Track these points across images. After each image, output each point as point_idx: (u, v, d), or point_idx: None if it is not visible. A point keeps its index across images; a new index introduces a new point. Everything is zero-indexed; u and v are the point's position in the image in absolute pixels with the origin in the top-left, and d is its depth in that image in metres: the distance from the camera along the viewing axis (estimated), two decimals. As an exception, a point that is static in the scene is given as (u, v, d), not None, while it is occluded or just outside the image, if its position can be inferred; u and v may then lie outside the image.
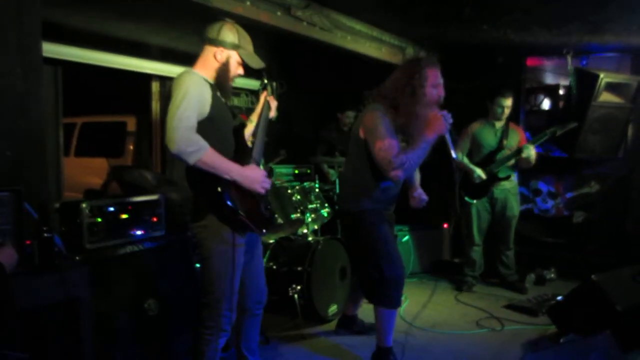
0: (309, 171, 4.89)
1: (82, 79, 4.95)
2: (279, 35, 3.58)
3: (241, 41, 2.24)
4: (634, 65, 4.72)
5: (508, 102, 4.18)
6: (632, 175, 4.73)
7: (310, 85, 5.46)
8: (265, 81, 2.42)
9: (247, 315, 2.43)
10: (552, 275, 4.67)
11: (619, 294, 2.93)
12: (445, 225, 5.05)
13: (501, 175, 4.20)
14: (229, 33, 2.21)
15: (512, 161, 4.12)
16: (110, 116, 6.82)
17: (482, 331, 3.46)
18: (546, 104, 5.33)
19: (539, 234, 5.14)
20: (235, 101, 5.07)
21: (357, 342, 3.23)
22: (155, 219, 2.69)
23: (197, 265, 2.75)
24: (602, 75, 4.19)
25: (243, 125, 2.36)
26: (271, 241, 3.72)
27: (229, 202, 2.10)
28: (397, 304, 2.75)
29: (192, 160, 2.02)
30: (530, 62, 5.22)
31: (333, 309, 3.59)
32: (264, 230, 2.27)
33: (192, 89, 2.07)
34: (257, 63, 2.29)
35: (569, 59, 4.42)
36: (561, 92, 5.15)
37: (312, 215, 3.72)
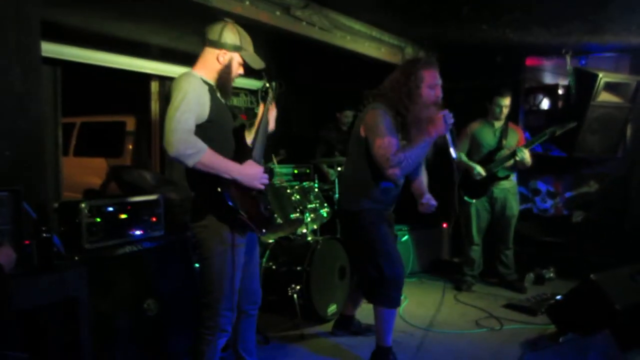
0: (308, 171, 4.89)
1: (81, 78, 4.95)
2: (278, 35, 3.58)
3: (243, 42, 2.24)
4: (633, 65, 4.73)
5: (506, 101, 4.19)
6: (631, 174, 4.73)
7: (310, 85, 5.47)
8: (267, 85, 2.42)
9: (242, 316, 2.43)
10: (551, 275, 4.67)
11: (617, 293, 2.93)
12: (445, 225, 5.06)
13: (500, 174, 4.20)
14: (231, 35, 2.20)
15: (511, 161, 4.12)
16: (109, 116, 6.82)
17: (482, 331, 3.46)
18: (545, 104, 5.33)
19: (538, 233, 5.14)
20: (235, 101, 5.08)
21: (356, 341, 3.23)
22: (154, 219, 2.69)
23: (197, 265, 2.75)
24: (601, 75, 4.19)
25: (243, 126, 2.36)
26: (270, 241, 3.72)
27: (229, 202, 2.11)
28: (396, 303, 2.76)
29: (190, 162, 2.02)
30: (530, 61, 5.23)
31: (332, 308, 3.60)
32: (264, 230, 2.27)
33: (191, 91, 2.06)
34: (258, 64, 2.30)
35: (568, 58, 4.42)
36: (560, 91, 5.15)
37: (312, 215, 3.72)
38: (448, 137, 2.49)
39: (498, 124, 4.31)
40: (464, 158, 4.30)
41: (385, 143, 2.48)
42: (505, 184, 4.28)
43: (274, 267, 3.60)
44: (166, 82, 4.54)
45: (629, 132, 4.72)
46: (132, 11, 3.53)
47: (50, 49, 3.53)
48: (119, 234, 2.51)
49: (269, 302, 2.54)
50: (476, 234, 4.38)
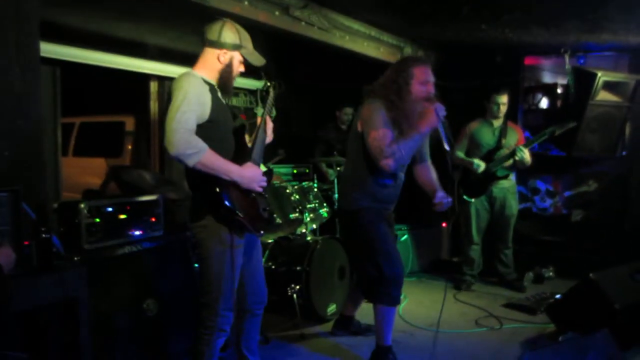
0: (307, 171, 4.89)
1: (80, 79, 4.94)
2: (277, 35, 3.57)
3: (242, 40, 2.24)
4: (632, 64, 4.73)
5: (503, 98, 4.20)
6: (630, 173, 4.74)
7: (309, 85, 5.46)
8: (267, 83, 2.42)
9: (247, 315, 2.44)
10: (551, 274, 4.68)
11: (617, 292, 2.94)
12: (444, 225, 5.06)
13: (499, 174, 4.21)
14: (230, 33, 2.20)
15: (511, 161, 4.12)
16: (108, 116, 6.81)
17: (481, 330, 3.47)
18: (544, 103, 5.34)
19: (538, 232, 5.15)
20: (234, 101, 5.07)
21: (356, 341, 3.23)
22: (153, 219, 2.69)
23: (196, 265, 2.75)
24: (599, 74, 4.20)
25: (243, 126, 2.36)
26: (270, 241, 3.72)
27: (227, 203, 2.11)
28: (396, 301, 2.76)
29: (191, 162, 2.02)
30: (529, 61, 5.23)
31: (332, 308, 3.60)
32: (262, 232, 2.27)
33: (192, 91, 2.07)
34: (258, 60, 2.31)
35: (567, 58, 4.43)
36: (559, 91, 5.16)
37: (311, 215, 3.72)
38: (441, 129, 2.53)
39: (497, 123, 4.31)
40: (462, 156, 4.31)
41: (380, 134, 2.53)
42: (504, 183, 4.28)
43: (273, 267, 3.60)
44: (165, 82, 4.54)
45: (627, 131, 4.72)
46: (131, 11, 3.53)
47: (50, 49, 3.52)
48: (118, 234, 2.51)
49: (268, 301, 2.53)
50: (475, 234, 4.39)
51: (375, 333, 2.85)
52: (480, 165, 4.15)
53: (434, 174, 2.90)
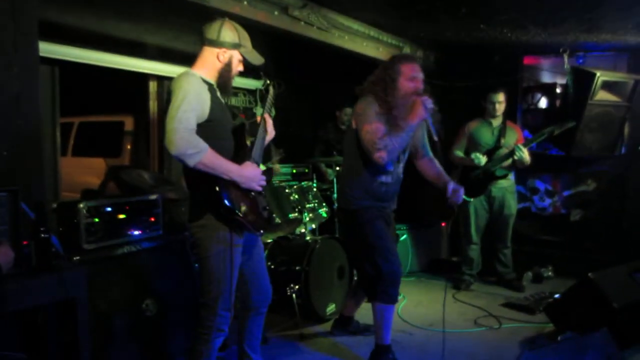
0: (306, 170, 4.89)
1: (79, 78, 4.94)
2: (276, 34, 3.57)
3: (241, 39, 2.25)
4: (630, 63, 4.74)
5: (499, 97, 4.21)
6: (628, 173, 4.74)
7: (308, 84, 5.46)
8: (268, 82, 2.42)
9: (251, 313, 2.44)
10: (550, 274, 4.68)
11: (615, 291, 2.94)
12: (443, 224, 5.06)
13: (498, 173, 4.21)
14: (229, 32, 2.21)
15: (510, 160, 4.12)
16: (107, 116, 6.81)
17: (480, 329, 3.47)
18: (543, 103, 5.34)
19: (537, 232, 5.15)
20: (233, 101, 5.06)
21: (355, 341, 3.23)
22: (152, 219, 2.69)
23: (196, 265, 2.75)
24: (598, 74, 4.20)
25: (243, 125, 2.36)
26: (269, 240, 3.72)
27: (226, 202, 2.11)
28: (393, 300, 2.77)
29: (192, 162, 2.02)
30: (527, 60, 5.23)
31: (331, 308, 3.60)
32: (261, 231, 2.27)
33: (192, 90, 2.07)
34: (257, 60, 2.31)
35: (566, 57, 4.43)
36: (558, 90, 5.16)
37: (310, 215, 3.72)
38: (429, 121, 2.59)
39: (496, 123, 4.31)
40: (461, 155, 4.31)
41: (373, 128, 2.60)
42: (503, 182, 4.29)
43: (272, 266, 3.60)
44: (164, 81, 4.53)
45: (626, 130, 4.72)
46: (130, 11, 3.53)
47: (48, 49, 3.52)
48: (117, 234, 2.51)
49: (267, 301, 2.54)
50: (474, 233, 4.39)
51: (375, 332, 2.86)
52: (480, 158, 4.13)
53: (440, 167, 2.92)
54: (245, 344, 2.49)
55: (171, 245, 2.76)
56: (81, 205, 2.36)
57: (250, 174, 2.18)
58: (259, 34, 2.87)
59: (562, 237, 5.00)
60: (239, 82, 4.71)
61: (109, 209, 2.48)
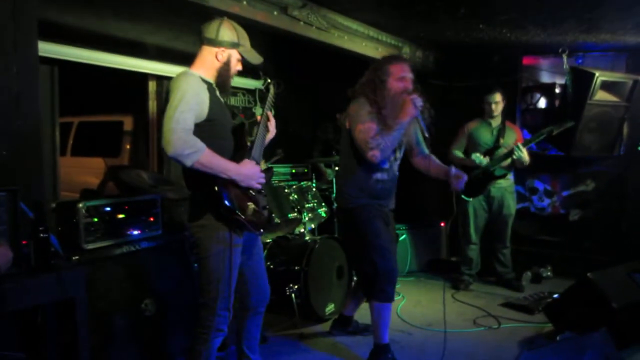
0: (306, 170, 4.89)
1: (78, 78, 4.93)
2: (275, 34, 3.57)
3: (240, 38, 2.25)
4: (629, 64, 4.74)
5: (495, 98, 4.22)
6: (627, 173, 4.75)
7: (307, 84, 5.46)
8: (268, 80, 2.42)
9: (250, 313, 2.44)
10: (549, 273, 4.69)
11: (614, 291, 2.95)
12: (442, 224, 5.07)
13: (497, 173, 4.21)
14: (228, 32, 2.21)
15: (509, 160, 4.13)
16: (106, 115, 6.80)
17: (479, 329, 3.47)
18: (542, 103, 5.35)
19: (536, 232, 5.16)
20: (233, 100, 5.06)
21: (354, 341, 3.24)
22: (152, 219, 2.69)
23: (195, 265, 2.75)
24: (597, 74, 4.20)
25: (243, 124, 2.36)
26: (268, 240, 3.72)
27: (226, 202, 2.11)
28: (390, 298, 2.79)
29: (189, 162, 2.02)
30: (527, 61, 5.24)
31: (330, 308, 3.60)
32: (261, 230, 2.27)
33: (190, 90, 2.07)
34: (256, 59, 2.31)
35: (565, 57, 4.43)
36: (557, 90, 5.16)
37: (309, 215, 3.72)
38: (420, 119, 2.63)
39: (495, 123, 4.32)
40: (461, 155, 4.31)
41: (365, 128, 2.66)
42: (502, 182, 4.29)
43: (272, 266, 3.60)
44: (164, 81, 4.53)
45: (625, 130, 4.72)
46: (130, 10, 3.53)
47: (47, 48, 3.51)
48: (116, 233, 2.51)
49: (266, 301, 2.54)
50: (474, 233, 4.39)
51: (373, 331, 2.87)
52: (481, 158, 4.11)
53: (437, 160, 2.94)
54: (243, 344, 2.49)
55: (170, 245, 2.77)
56: (80, 205, 2.36)
57: (248, 171, 2.18)
58: (259, 33, 2.87)
59: (561, 237, 5.00)
60: (238, 82, 4.71)
61: (108, 208, 2.48)
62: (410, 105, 2.58)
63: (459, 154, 4.35)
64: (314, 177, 4.48)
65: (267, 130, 2.38)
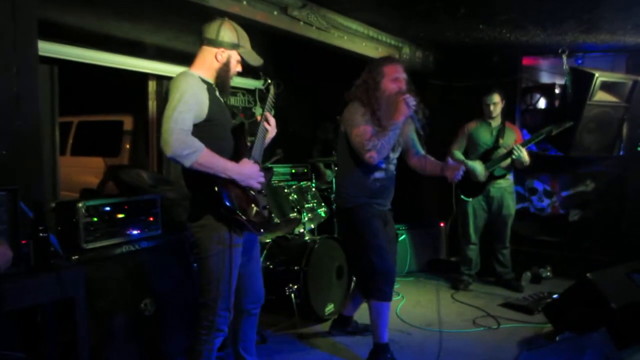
0: (305, 171, 4.89)
1: (78, 78, 4.93)
2: (275, 34, 3.57)
3: (240, 40, 2.25)
4: (629, 64, 4.75)
5: (494, 99, 4.22)
6: (627, 173, 4.75)
7: (307, 84, 5.46)
8: (268, 80, 2.42)
9: (244, 315, 2.44)
10: (548, 274, 4.69)
11: (614, 291, 2.95)
12: (442, 224, 5.07)
13: (497, 173, 4.22)
14: (228, 32, 2.21)
15: (508, 161, 4.13)
16: (106, 115, 6.79)
17: (479, 330, 3.47)
18: (542, 103, 5.35)
19: (535, 232, 5.16)
20: (232, 100, 5.06)
21: (354, 341, 3.24)
22: (151, 219, 2.69)
23: (195, 265, 2.75)
24: (597, 75, 4.20)
25: (242, 124, 2.36)
26: (268, 240, 3.72)
27: (226, 202, 2.11)
28: (388, 297, 2.80)
29: (187, 162, 2.02)
30: (526, 61, 5.24)
31: (330, 308, 3.60)
32: (262, 230, 2.27)
33: (189, 90, 2.06)
34: (256, 60, 2.31)
35: (564, 58, 4.43)
36: (557, 91, 5.17)
37: (309, 215, 3.72)
38: (414, 118, 2.67)
39: (495, 123, 4.32)
40: (461, 157, 4.32)
41: (361, 131, 2.70)
42: (501, 183, 4.29)
43: (271, 266, 3.60)
44: (163, 81, 4.53)
45: (625, 131, 4.73)
46: (130, 10, 3.52)
47: (47, 48, 3.51)
48: (116, 233, 2.51)
49: (266, 301, 2.54)
50: (473, 233, 4.39)
51: (372, 331, 2.87)
52: (482, 175, 4.12)
53: (432, 158, 2.97)
54: (239, 345, 2.49)
55: (170, 245, 2.76)
56: (80, 205, 2.36)
57: (248, 170, 2.18)
58: (258, 34, 2.87)
59: (561, 238, 5.00)
60: (238, 82, 4.71)
61: (107, 208, 2.48)
62: (404, 105, 2.61)
63: (458, 155, 4.35)
64: (313, 177, 4.48)
65: (266, 130, 2.38)
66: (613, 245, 4.65)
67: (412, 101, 2.62)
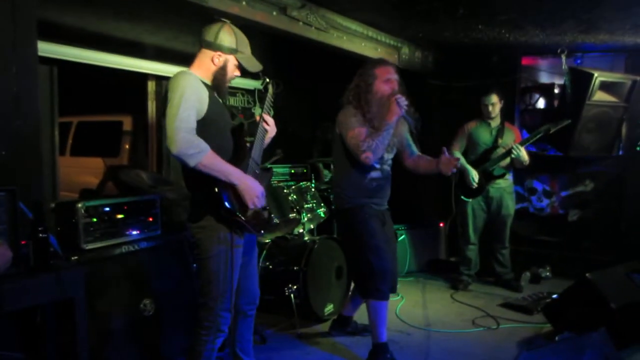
0: (305, 171, 4.89)
1: (77, 78, 4.93)
2: (274, 35, 3.57)
3: (239, 45, 2.24)
4: (628, 64, 4.75)
5: (492, 99, 4.23)
6: (626, 173, 4.75)
7: (306, 85, 5.46)
8: (267, 80, 2.42)
9: (240, 316, 2.44)
10: (547, 274, 4.69)
11: (613, 291, 2.95)
12: (441, 224, 5.07)
13: (496, 173, 4.22)
14: (227, 37, 2.20)
15: (507, 160, 4.14)
16: (106, 115, 6.80)
17: (478, 330, 3.48)
18: (541, 103, 5.35)
19: (534, 232, 5.16)
20: (232, 101, 5.06)
21: (353, 341, 3.24)
22: (151, 219, 2.69)
23: (195, 265, 2.75)
24: (596, 75, 4.21)
25: (242, 125, 2.36)
26: (267, 241, 3.72)
27: (226, 203, 2.11)
28: (385, 296, 2.82)
29: (192, 162, 2.02)
30: (526, 61, 5.24)
31: (329, 308, 3.60)
32: (262, 232, 2.27)
33: (189, 89, 2.07)
34: (255, 67, 2.30)
35: (564, 58, 4.43)
36: (556, 91, 5.17)
37: (308, 215, 3.72)
38: (407, 118, 2.71)
39: (494, 124, 4.33)
40: (461, 158, 4.32)
41: (356, 133, 2.75)
42: (501, 183, 4.30)
43: (270, 266, 3.60)
44: (163, 81, 4.53)
45: (624, 131, 4.73)
46: (129, 10, 3.52)
47: (47, 48, 3.51)
48: (115, 233, 2.51)
49: (265, 301, 2.55)
50: (472, 234, 4.40)
51: (370, 331, 2.88)
52: (475, 181, 4.16)
53: (426, 156, 3.02)
54: (236, 347, 2.49)
55: (169, 245, 2.76)
56: (79, 205, 2.36)
57: (252, 183, 2.17)
58: (258, 34, 2.87)
59: (560, 238, 5.00)
60: (237, 82, 4.71)
61: (107, 208, 2.48)
62: (396, 105, 2.66)
63: (457, 155, 4.35)
64: (313, 177, 4.48)
65: (265, 130, 2.38)
66: (612, 245, 4.65)
67: (403, 102, 2.67)
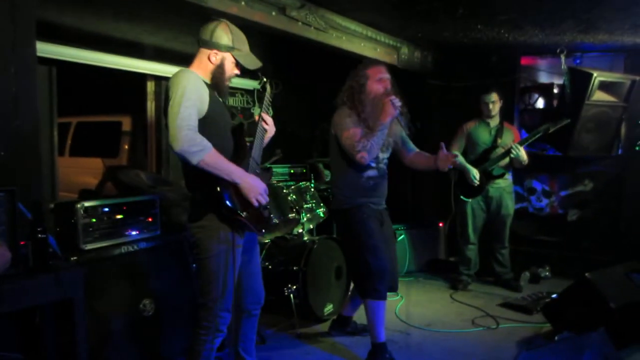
0: (304, 171, 4.90)
1: (77, 78, 4.93)
2: (274, 35, 3.57)
3: (235, 42, 2.23)
4: (627, 64, 4.75)
5: (492, 97, 4.24)
6: (625, 173, 4.75)
7: (306, 85, 5.46)
8: (265, 79, 2.41)
9: (244, 315, 2.43)
10: (547, 274, 4.69)
11: (612, 291, 2.95)
12: (441, 224, 5.07)
13: (496, 173, 4.22)
14: (223, 35, 2.20)
15: (507, 160, 4.14)
16: (105, 116, 6.79)
17: (478, 329, 3.48)
18: (540, 103, 5.35)
19: (534, 232, 5.16)
20: (231, 101, 5.07)
21: (353, 341, 3.24)
22: (150, 219, 2.69)
23: (194, 265, 2.75)
24: (595, 74, 4.21)
25: (242, 125, 2.36)
26: (267, 241, 3.72)
27: (228, 202, 2.10)
28: (383, 296, 2.83)
29: (195, 160, 2.02)
30: (525, 61, 5.24)
31: (329, 308, 3.60)
32: (263, 231, 2.27)
33: (190, 87, 2.07)
34: (253, 64, 2.29)
35: (563, 58, 4.44)
36: (555, 90, 5.17)
37: (308, 215, 3.72)
38: (400, 119, 2.76)
39: (493, 123, 4.33)
40: (461, 158, 4.32)
41: (351, 133, 2.78)
42: (500, 182, 4.30)
43: (270, 266, 3.60)
44: (162, 82, 4.54)
45: (623, 131, 4.73)
46: (128, 11, 3.52)
47: (46, 49, 3.51)
48: (115, 234, 2.51)
49: (265, 301, 2.54)
50: (472, 233, 4.40)
51: (369, 331, 2.89)
52: (476, 179, 4.15)
53: (424, 152, 3.03)
54: (239, 346, 2.48)
55: (169, 246, 2.76)
56: (78, 206, 2.36)
57: (254, 182, 2.16)
58: (257, 34, 2.87)
59: (560, 237, 5.00)
60: (236, 82, 4.71)
61: (106, 209, 2.48)
62: (390, 106, 2.68)
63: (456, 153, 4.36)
64: (312, 177, 4.48)
65: (265, 130, 2.38)
66: (612, 245, 4.66)
67: (397, 102, 2.70)
